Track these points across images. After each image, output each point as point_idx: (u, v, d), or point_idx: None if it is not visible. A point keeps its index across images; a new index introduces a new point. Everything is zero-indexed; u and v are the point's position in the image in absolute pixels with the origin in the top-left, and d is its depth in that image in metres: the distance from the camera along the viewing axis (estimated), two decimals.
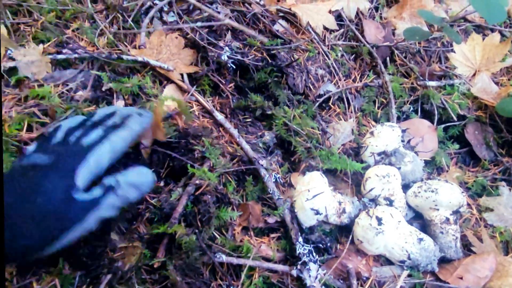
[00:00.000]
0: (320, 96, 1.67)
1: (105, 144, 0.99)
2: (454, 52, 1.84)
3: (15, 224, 0.83)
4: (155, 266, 1.10)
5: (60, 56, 1.37)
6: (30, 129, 1.24)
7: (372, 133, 1.45)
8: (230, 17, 1.71)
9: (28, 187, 0.88)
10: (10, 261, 0.92)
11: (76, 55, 1.39)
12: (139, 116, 1.10)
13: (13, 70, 1.32)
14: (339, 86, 1.72)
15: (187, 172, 1.22)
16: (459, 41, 1.61)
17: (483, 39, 1.86)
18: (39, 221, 0.85)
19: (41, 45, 1.36)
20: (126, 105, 1.39)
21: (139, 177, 1.02)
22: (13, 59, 1.33)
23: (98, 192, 0.94)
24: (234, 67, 1.56)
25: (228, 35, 1.69)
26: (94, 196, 0.93)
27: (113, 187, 0.96)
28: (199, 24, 1.58)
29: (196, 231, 1.14)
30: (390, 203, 1.31)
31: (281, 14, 1.84)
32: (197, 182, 1.20)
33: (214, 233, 1.20)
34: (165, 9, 1.65)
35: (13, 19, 1.45)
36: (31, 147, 1.03)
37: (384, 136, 1.41)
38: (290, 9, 1.83)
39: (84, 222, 0.91)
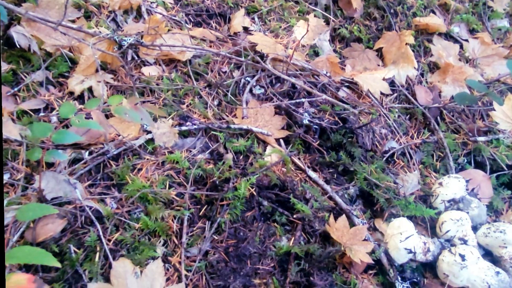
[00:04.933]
0: (386, 152, 1.97)
1: None
2: (495, 110, 2.14)
3: None
4: None
5: (183, 128, 1.70)
6: (170, 187, 1.53)
7: (440, 183, 1.72)
8: (310, 87, 2.05)
9: None
10: None
11: (195, 126, 1.71)
12: None
13: (149, 141, 1.64)
14: (400, 142, 2.02)
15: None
16: (501, 103, 1.92)
17: None
18: None
19: (170, 119, 1.69)
20: (234, 159, 1.68)
21: None
22: (149, 132, 1.65)
23: None
24: (318, 127, 1.87)
25: (306, 103, 2.02)
26: None
27: None
28: (293, 101, 1.91)
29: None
30: (465, 242, 1.56)
31: (344, 83, 2.18)
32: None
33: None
34: (254, 83, 2.00)
35: (140, 98, 1.79)
36: None
37: (452, 186, 1.68)
38: (352, 78, 2.17)
39: None
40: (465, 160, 1.99)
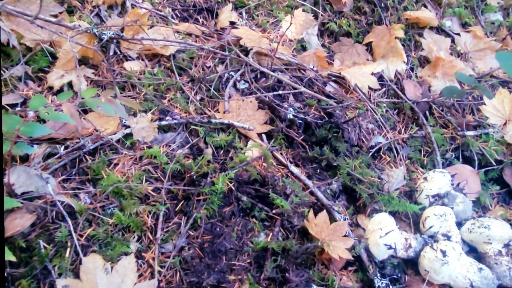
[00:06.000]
0: (372, 147, 1.93)
1: None
2: (485, 104, 2.10)
3: None
4: None
5: (163, 122, 1.67)
6: (146, 182, 1.51)
7: (425, 178, 1.69)
8: (294, 82, 2.02)
9: None
10: None
11: (175, 121, 1.69)
12: None
13: (128, 135, 1.62)
14: (387, 137, 1.98)
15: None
16: (491, 97, 1.88)
17: (510, 92, 2.12)
18: None
19: (149, 114, 1.67)
20: (214, 154, 1.65)
21: None
22: (128, 126, 1.63)
23: None
24: (302, 122, 1.84)
25: (291, 97, 1.99)
26: None
27: None
28: (271, 93, 1.88)
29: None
30: (448, 238, 1.52)
31: (332, 78, 2.15)
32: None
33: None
34: (238, 78, 1.97)
35: (121, 93, 1.77)
36: None
37: (437, 180, 1.64)
38: (339, 73, 2.13)
39: None
40: (453, 155, 1.95)
